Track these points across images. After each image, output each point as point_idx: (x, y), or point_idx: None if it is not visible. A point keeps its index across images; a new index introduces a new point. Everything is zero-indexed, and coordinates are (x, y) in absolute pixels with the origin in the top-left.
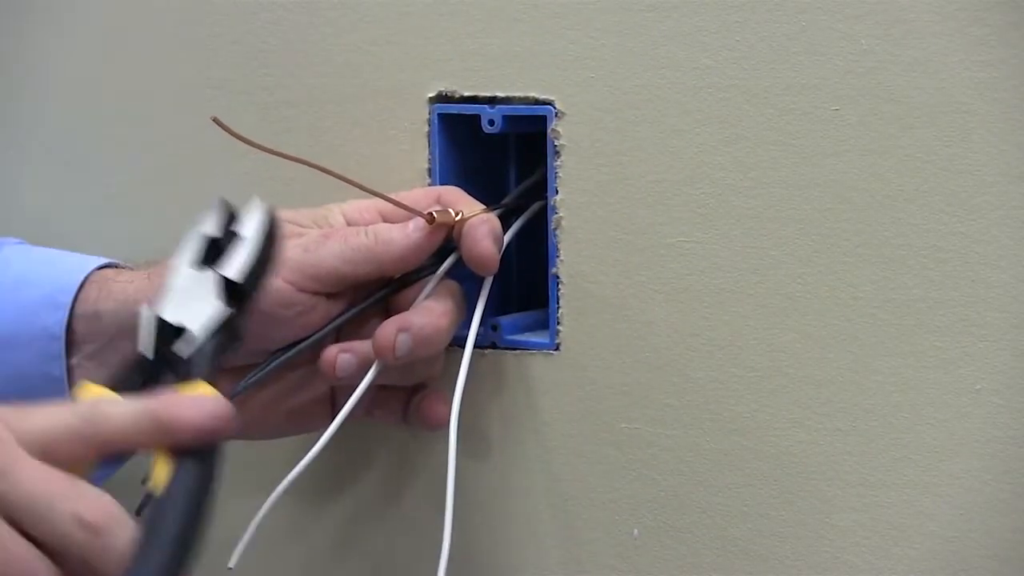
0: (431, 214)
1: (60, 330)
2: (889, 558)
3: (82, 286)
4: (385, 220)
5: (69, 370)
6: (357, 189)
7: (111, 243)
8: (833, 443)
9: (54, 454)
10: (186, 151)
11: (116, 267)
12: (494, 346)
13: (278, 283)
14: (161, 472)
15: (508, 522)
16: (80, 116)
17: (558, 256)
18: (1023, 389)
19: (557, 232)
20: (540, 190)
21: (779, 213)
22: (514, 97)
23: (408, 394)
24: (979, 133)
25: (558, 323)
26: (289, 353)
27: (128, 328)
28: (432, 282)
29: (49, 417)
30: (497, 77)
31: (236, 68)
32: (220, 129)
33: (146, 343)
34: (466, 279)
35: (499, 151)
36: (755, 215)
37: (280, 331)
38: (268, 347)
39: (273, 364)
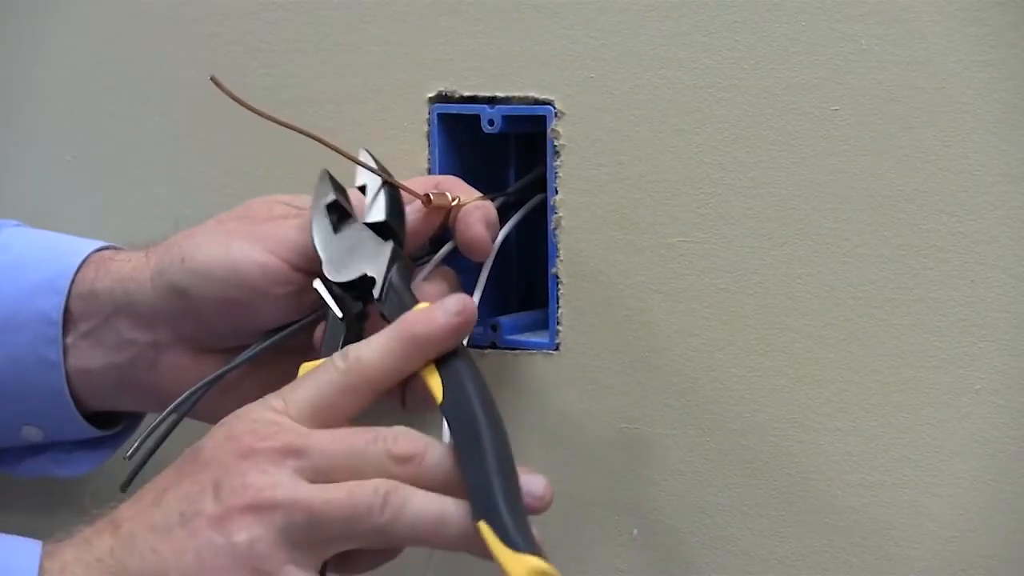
0: (428, 196)
1: (57, 315)
2: (889, 558)
3: (80, 268)
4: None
5: (66, 350)
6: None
7: (110, 240)
8: (833, 443)
9: (332, 413)
10: (186, 150)
11: (115, 249)
12: (494, 346)
13: (273, 261)
14: (435, 388)
15: None
16: (80, 116)
17: (558, 256)
18: (1023, 389)
19: (557, 232)
20: (540, 186)
21: (779, 213)
22: (514, 97)
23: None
24: (979, 133)
25: (558, 323)
26: (282, 333)
27: (123, 306)
28: (428, 267)
29: (312, 383)
30: (497, 77)
31: (236, 68)
32: (220, 129)
33: (334, 307)
34: (463, 271)
35: (499, 151)
36: (755, 215)
37: (274, 310)
38: (261, 326)
39: (266, 344)
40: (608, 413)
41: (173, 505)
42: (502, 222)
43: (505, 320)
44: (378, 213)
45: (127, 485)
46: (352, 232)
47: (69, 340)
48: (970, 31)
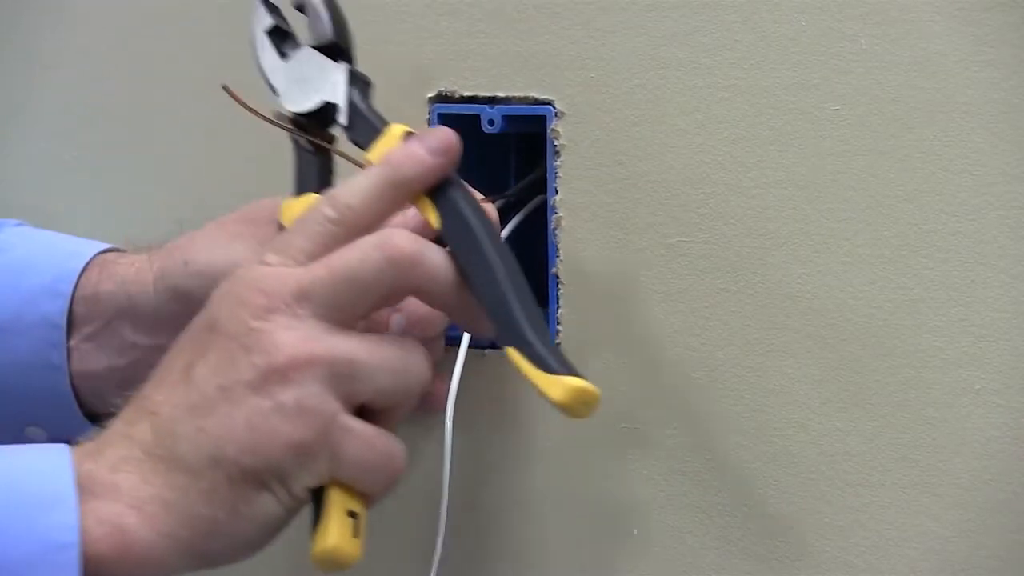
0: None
1: (61, 319)
2: (889, 558)
3: (83, 271)
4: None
5: (69, 352)
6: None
7: (111, 241)
8: (833, 443)
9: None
10: (187, 151)
11: (118, 251)
12: (493, 346)
13: None
14: (428, 213)
15: (506, 523)
16: (80, 116)
17: (558, 256)
18: (1023, 389)
19: (557, 232)
20: (540, 187)
21: (779, 213)
22: (514, 97)
23: None
24: (979, 133)
25: (558, 323)
26: None
27: (125, 309)
28: (510, 224)
29: (304, 233)
30: (497, 77)
31: (236, 68)
32: (221, 129)
33: (303, 142)
34: None
35: (499, 151)
36: (755, 215)
37: None
38: None
39: None
40: (608, 413)
41: (208, 379)
42: (502, 222)
43: None
44: (323, 33)
45: None
46: (301, 57)
47: (73, 342)
48: (970, 31)
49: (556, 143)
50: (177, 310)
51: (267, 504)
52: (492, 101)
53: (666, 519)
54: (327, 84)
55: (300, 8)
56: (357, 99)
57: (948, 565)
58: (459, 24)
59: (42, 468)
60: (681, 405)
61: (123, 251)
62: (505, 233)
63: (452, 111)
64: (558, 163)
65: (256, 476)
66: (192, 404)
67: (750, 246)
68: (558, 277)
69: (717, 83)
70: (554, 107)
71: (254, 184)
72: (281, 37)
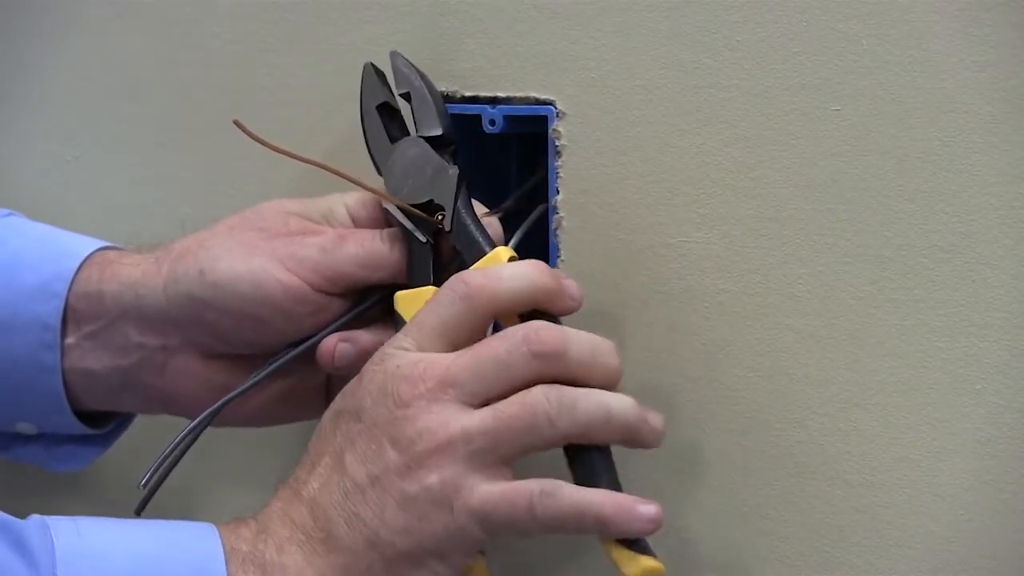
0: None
1: (55, 320)
2: (889, 558)
3: (79, 269)
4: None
5: (66, 350)
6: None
7: (112, 240)
8: (833, 443)
9: (459, 336)
10: (187, 151)
11: (117, 250)
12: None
13: (295, 281)
14: None
15: None
16: (80, 116)
17: (558, 256)
18: (1023, 389)
19: (557, 232)
20: (540, 192)
21: (779, 213)
22: (515, 97)
23: None
24: (979, 133)
25: (558, 323)
26: (296, 351)
27: (132, 310)
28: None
29: (437, 310)
30: (498, 77)
31: (236, 68)
32: (222, 129)
33: (414, 229)
34: None
35: (500, 151)
36: (755, 215)
37: (292, 327)
38: (277, 341)
39: (280, 361)
40: None
41: (358, 468)
42: (504, 227)
43: None
44: (432, 125)
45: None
46: (409, 146)
47: (71, 340)
48: (970, 31)
49: (557, 143)
50: (189, 315)
51: None
52: (493, 101)
53: (667, 519)
54: (436, 183)
55: (406, 96)
56: (462, 206)
57: (948, 565)
58: (459, 24)
59: (191, 547)
60: (682, 405)
61: (123, 250)
62: (511, 245)
63: (453, 111)
64: (559, 163)
65: (410, 556)
66: (346, 491)
67: (750, 246)
68: None
69: (717, 83)
70: (555, 107)
71: (254, 184)
72: (390, 115)
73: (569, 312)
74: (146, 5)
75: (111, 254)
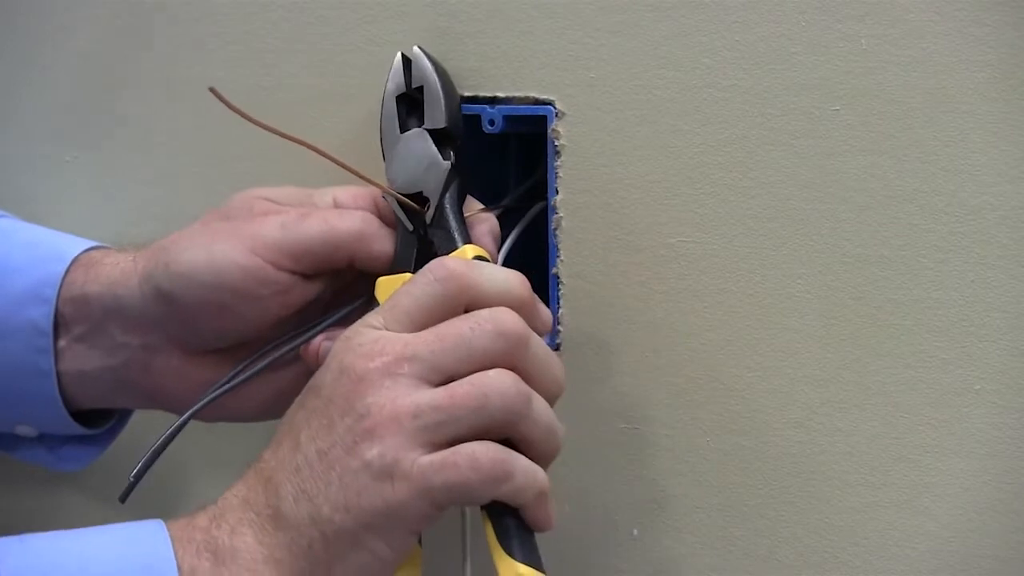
0: (424, 210)
1: (47, 325)
2: (889, 558)
3: (67, 272)
4: (378, 207)
5: (59, 353)
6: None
7: (111, 241)
8: (833, 443)
9: (430, 319)
10: (187, 151)
11: (103, 249)
12: None
13: (255, 262)
14: None
15: None
16: (80, 116)
17: (558, 256)
18: (1023, 389)
19: (557, 232)
20: (539, 191)
21: (779, 213)
22: (514, 97)
23: None
24: (979, 133)
25: (558, 323)
26: (281, 351)
27: (113, 310)
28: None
29: (413, 291)
30: (497, 77)
31: (236, 68)
32: (221, 129)
33: (404, 218)
34: None
35: (499, 151)
36: (755, 215)
37: (259, 311)
38: (248, 328)
39: (265, 362)
40: (608, 413)
41: (309, 445)
42: (503, 226)
43: None
44: (437, 119)
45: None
46: (414, 137)
47: (63, 343)
48: (970, 31)
49: (557, 143)
50: (162, 310)
51: (362, 558)
52: (492, 101)
53: (666, 519)
54: (428, 176)
55: (419, 90)
56: (448, 203)
57: (948, 565)
58: (459, 24)
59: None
60: (681, 405)
61: (108, 249)
62: (507, 247)
63: None
64: (558, 163)
65: (350, 533)
66: (297, 467)
67: (750, 246)
68: (558, 277)
69: (717, 83)
70: (555, 107)
71: (254, 184)
72: (409, 106)
73: (537, 333)
74: (146, 5)
75: (96, 254)
